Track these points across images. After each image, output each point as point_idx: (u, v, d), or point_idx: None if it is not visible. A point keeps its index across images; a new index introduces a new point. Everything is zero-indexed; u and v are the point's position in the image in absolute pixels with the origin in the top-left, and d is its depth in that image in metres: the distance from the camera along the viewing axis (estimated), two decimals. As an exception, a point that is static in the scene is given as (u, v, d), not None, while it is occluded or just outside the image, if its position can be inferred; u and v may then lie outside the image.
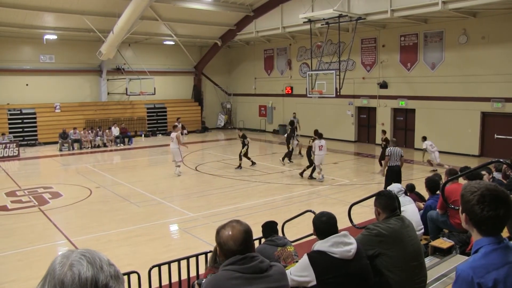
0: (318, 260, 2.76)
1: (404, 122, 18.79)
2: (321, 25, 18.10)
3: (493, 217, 1.64)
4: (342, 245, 2.77)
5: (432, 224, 5.32)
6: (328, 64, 19.18)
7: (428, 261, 4.16)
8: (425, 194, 7.25)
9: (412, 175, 13.06)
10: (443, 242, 4.60)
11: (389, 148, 9.83)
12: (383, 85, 18.82)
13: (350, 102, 20.45)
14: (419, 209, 5.70)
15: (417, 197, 6.80)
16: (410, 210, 5.00)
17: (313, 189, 11.32)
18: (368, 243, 3.08)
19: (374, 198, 3.43)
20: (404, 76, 18.18)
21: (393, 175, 9.45)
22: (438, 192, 5.81)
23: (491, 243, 1.66)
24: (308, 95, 19.03)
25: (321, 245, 2.81)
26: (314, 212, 5.10)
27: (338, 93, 17.58)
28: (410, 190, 6.76)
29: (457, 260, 4.03)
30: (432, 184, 5.85)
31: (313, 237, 3.05)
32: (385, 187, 8.36)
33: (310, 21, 18.25)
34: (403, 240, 3.12)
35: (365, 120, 20.37)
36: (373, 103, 19.56)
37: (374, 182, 12.18)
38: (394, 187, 5.25)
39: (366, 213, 8.37)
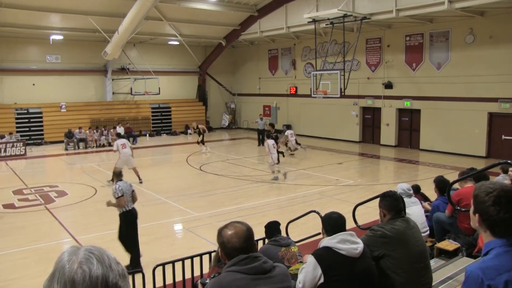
0: (324, 256, 2.76)
1: (409, 122, 18.67)
2: (326, 25, 18.04)
3: (508, 219, 1.61)
4: (349, 243, 2.78)
5: (438, 226, 5.26)
6: (332, 64, 19.11)
7: (434, 263, 4.12)
8: (430, 195, 7.21)
9: (417, 176, 12.98)
10: (449, 244, 4.54)
11: None
12: (388, 85, 18.72)
13: (355, 102, 20.36)
14: (426, 210, 5.65)
15: (423, 198, 6.74)
16: (415, 211, 4.96)
17: (317, 190, 11.28)
18: (373, 244, 3.07)
19: (378, 199, 3.41)
20: (409, 76, 18.07)
21: None
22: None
23: (503, 245, 1.62)
24: (312, 95, 18.98)
25: (328, 241, 2.82)
26: (318, 213, 5.09)
27: (343, 93, 17.51)
28: (415, 191, 6.70)
29: (463, 262, 3.98)
30: (442, 184, 5.71)
31: (317, 237, 3.04)
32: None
33: (314, 21, 18.19)
34: (408, 241, 3.10)
35: (370, 120, 20.27)
36: (378, 104, 19.46)
37: (378, 183, 12.11)
38: (402, 187, 5.19)
39: (370, 214, 8.32)
